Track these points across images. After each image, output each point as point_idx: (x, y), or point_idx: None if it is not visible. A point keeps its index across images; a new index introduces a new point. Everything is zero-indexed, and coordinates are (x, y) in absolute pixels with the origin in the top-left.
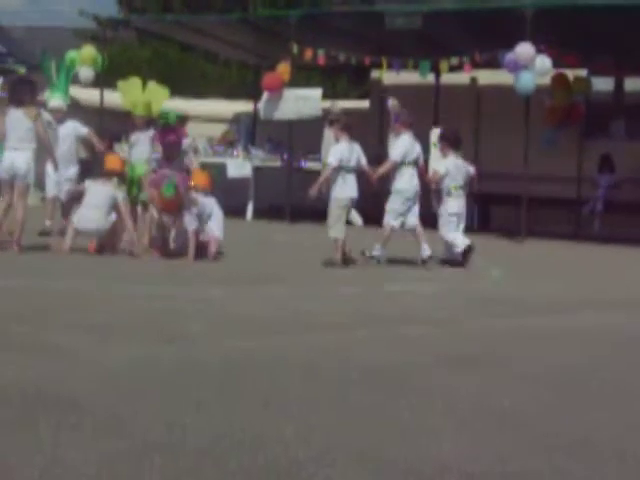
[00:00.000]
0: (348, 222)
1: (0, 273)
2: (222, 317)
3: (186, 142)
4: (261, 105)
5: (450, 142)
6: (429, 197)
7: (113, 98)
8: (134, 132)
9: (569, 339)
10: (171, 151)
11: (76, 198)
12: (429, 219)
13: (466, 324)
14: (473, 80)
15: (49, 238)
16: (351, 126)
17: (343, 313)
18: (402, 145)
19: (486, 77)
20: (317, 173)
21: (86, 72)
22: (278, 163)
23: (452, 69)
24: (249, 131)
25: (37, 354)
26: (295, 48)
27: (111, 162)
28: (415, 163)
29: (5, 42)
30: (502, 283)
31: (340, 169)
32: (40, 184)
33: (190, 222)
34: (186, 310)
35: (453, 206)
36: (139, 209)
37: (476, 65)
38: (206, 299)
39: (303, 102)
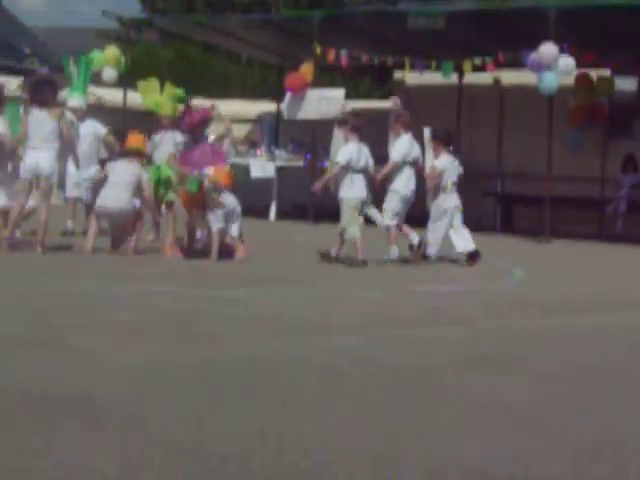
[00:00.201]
0: (371, 221)
1: (22, 273)
2: (243, 317)
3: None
4: (284, 105)
5: (442, 141)
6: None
7: (136, 98)
8: (158, 132)
9: (587, 339)
10: (196, 131)
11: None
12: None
13: (484, 324)
14: (496, 80)
15: (71, 238)
16: (361, 127)
17: (362, 314)
18: (402, 145)
19: (509, 77)
20: None
21: (109, 72)
22: (301, 163)
23: (475, 69)
24: (272, 131)
25: (60, 354)
26: (318, 49)
27: (133, 140)
28: (414, 163)
29: (29, 43)
30: (523, 283)
31: (349, 169)
32: (62, 184)
33: (215, 221)
34: (206, 310)
35: (447, 201)
36: (163, 208)
37: (499, 65)
38: (227, 299)
39: (326, 102)
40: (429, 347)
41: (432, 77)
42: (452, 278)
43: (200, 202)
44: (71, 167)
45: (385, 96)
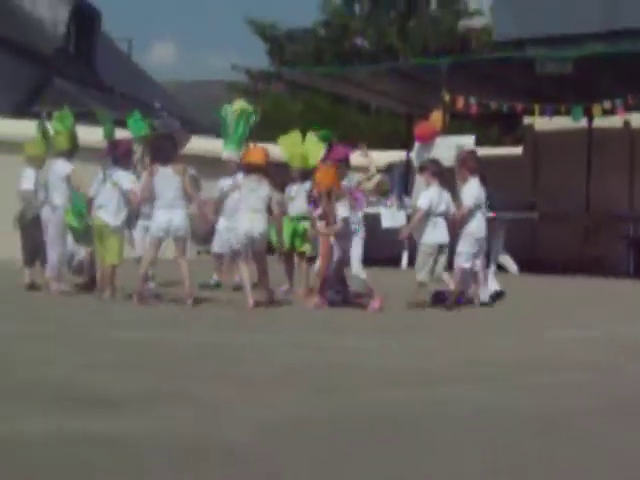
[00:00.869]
0: (501, 268)
1: (157, 325)
2: (373, 368)
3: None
4: (414, 153)
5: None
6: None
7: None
8: (291, 185)
9: None
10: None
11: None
12: None
13: (618, 370)
14: (626, 123)
15: (216, 291)
16: (441, 173)
17: (498, 361)
18: (473, 192)
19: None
20: None
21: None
22: None
23: (605, 113)
24: (402, 180)
25: (190, 406)
26: (446, 96)
27: (254, 155)
28: (482, 207)
29: (160, 97)
30: None
31: (430, 214)
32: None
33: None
34: (336, 361)
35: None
36: (296, 257)
37: (629, 108)
38: (356, 349)
39: (456, 150)
40: (573, 393)
41: (561, 122)
42: (584, 322)
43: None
44: (222, 223)
45: (515, 142)
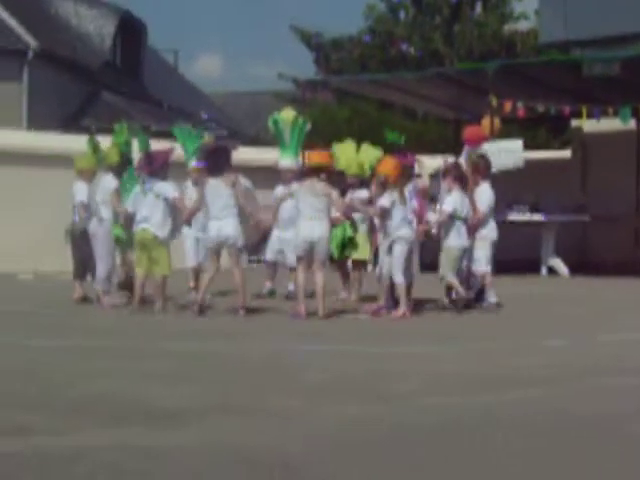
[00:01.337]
0: (553, 271)
1: (211, 336)
2: (427, 374)
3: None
4: (463, 158)
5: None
6: None
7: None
8: (348, 192)
9: None
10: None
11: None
12: None
13: None
14: None
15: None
16: (463, 177)
17: (552, 365)
18: (486, 196)
19: None
20: (521, 224)
21: None
22: None
23: None
24: None
25: (245, 417)
26: (494, 100)
27: (316, 157)
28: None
29: (208, 108)
30: None
31: (454, 219)
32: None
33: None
34: (388, 368)
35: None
36: (349, 264)
37: None
38: (408, 355)
39: (505, 154)
40: (625, 397)
41: (610, 124)
42: (636, 325)
43: None
44: (275, 231)
45: (563, 145)
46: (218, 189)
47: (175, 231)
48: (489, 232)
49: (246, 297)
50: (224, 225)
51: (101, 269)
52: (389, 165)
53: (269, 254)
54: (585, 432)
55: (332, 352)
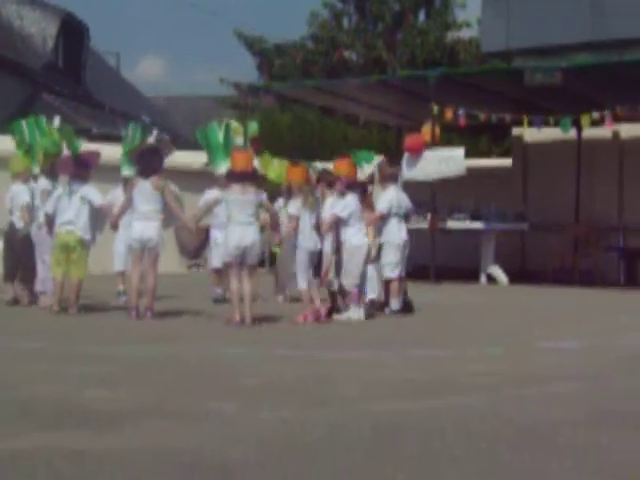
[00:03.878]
0: (492, 278)
1: (142, 340)
2: (367, 380)
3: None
4: (403, 166)
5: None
6: None
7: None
8: (283, 198)
9: None
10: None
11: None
12: None
13: (610, 380)
14: (615, 134)
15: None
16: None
17: (490, 372)
18: (387, 199)
19: (628, 130)
20: (461, 232)
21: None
22: (421, 225)
23: (593, 124)
24: None
25: (189, 421)
26: (435, 108)
27: (239, 161)
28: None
29: (149, 112)
30: None
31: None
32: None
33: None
34: (330, 373)
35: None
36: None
37: (618, 119)
38: (350, 361)
39: (446, 162)
40: (562, 404)
41: (550, 132)
42: (574, 333)
43: None
44: (218, 237)
45: (504, 153)
46: (146, 192)
47: (95, 236)
48: (394, 236)
49: (152, 301)
50: (147, 227)
51: (41, 270)
52: (346, 166)
53: (215, 261)
54: (525, 438)
55: (269, 357)
